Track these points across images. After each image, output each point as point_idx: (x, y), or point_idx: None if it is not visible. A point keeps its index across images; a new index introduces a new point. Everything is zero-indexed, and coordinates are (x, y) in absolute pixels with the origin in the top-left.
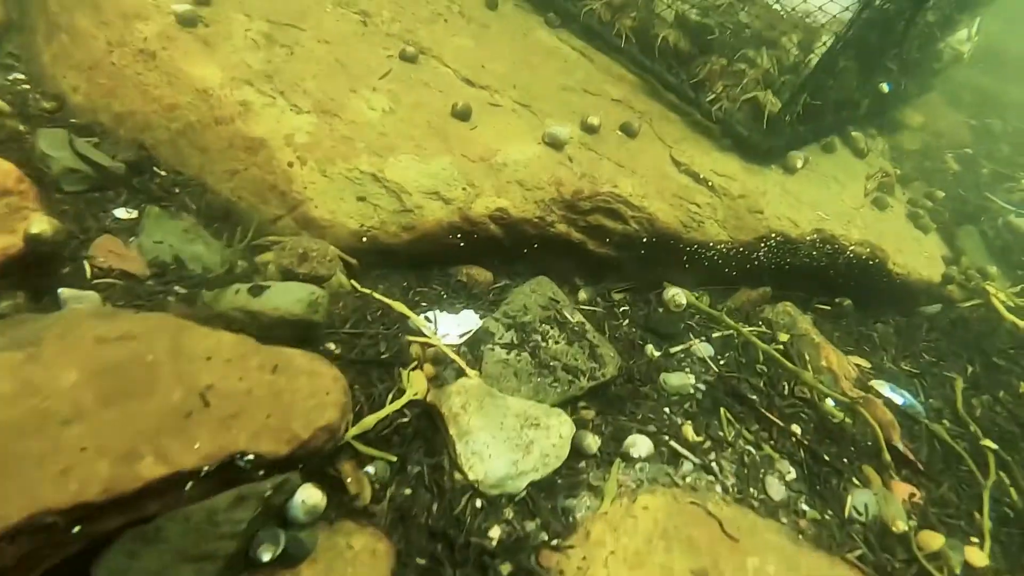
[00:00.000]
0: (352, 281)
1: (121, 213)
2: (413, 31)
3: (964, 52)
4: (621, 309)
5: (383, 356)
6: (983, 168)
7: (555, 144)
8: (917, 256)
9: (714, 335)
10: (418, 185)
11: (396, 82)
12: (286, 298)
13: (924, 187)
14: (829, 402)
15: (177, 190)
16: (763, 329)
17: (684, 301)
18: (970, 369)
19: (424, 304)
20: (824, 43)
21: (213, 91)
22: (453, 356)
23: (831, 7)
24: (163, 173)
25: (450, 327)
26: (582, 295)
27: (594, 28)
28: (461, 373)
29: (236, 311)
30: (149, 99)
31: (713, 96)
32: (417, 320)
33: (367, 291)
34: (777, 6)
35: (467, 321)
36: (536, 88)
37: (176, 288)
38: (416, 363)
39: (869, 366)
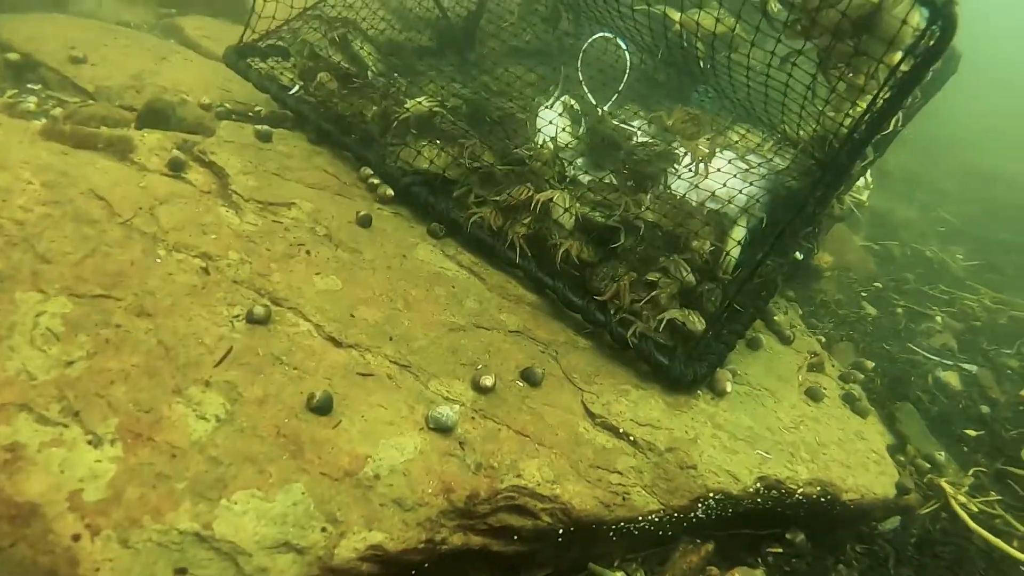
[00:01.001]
0: None
1: None
2: (267, 274)
3: (864, 200)
4: None
5: None
6: (897, 307)
7: (441, 428)
8: (868, 474)
9: None
10: (260, 538)
11: (238, 366)
12: None
13: (851, 351)
14: None
15: None
16: None
17: None
18: None
19: None
20: (738, 242)
21: None
22: None
23: (739, 198)
24: None
25: None
26: None
27: (484, 240)
28: None
29: None
30: None
31: (624, 316)
32: None
33: None
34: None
35: None
36: (418, 336)
37: None
38: None
39: None
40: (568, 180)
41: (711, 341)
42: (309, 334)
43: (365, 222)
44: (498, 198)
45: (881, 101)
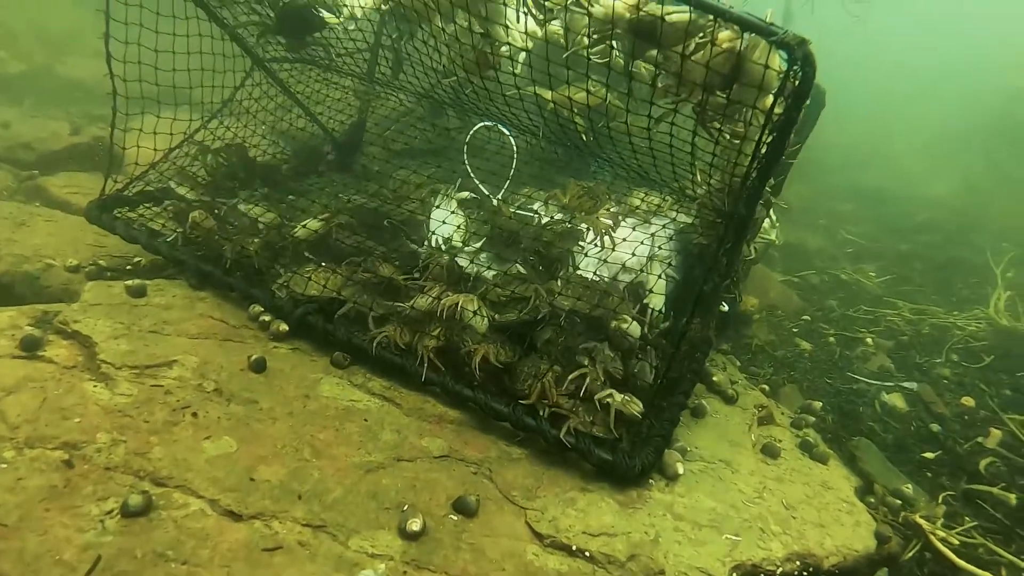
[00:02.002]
0: None
1: None
2: (146, 451)
3: (774, 238)
4: None
5: None
6: (828, 337)
7: None
8: (844, 529)
9: None
10: None
11: None
12: None
13: (796, 393)
14: None
15: None
16: None
17: None
18: None
19: None
20: (661, 312)
21: None
22: None
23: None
24: None
25: None
26: None
27: (392, 361)
28: None
29: None
30: None
31: (555, 414)
32: None
33: None
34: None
35: None
36: (331, 486)
37: None
38: None
39: None
40: (472, 278)
41: (653, 421)
42: (201, 513)
43: (259, 366)
44: (402, 310)
45: (764, 146)
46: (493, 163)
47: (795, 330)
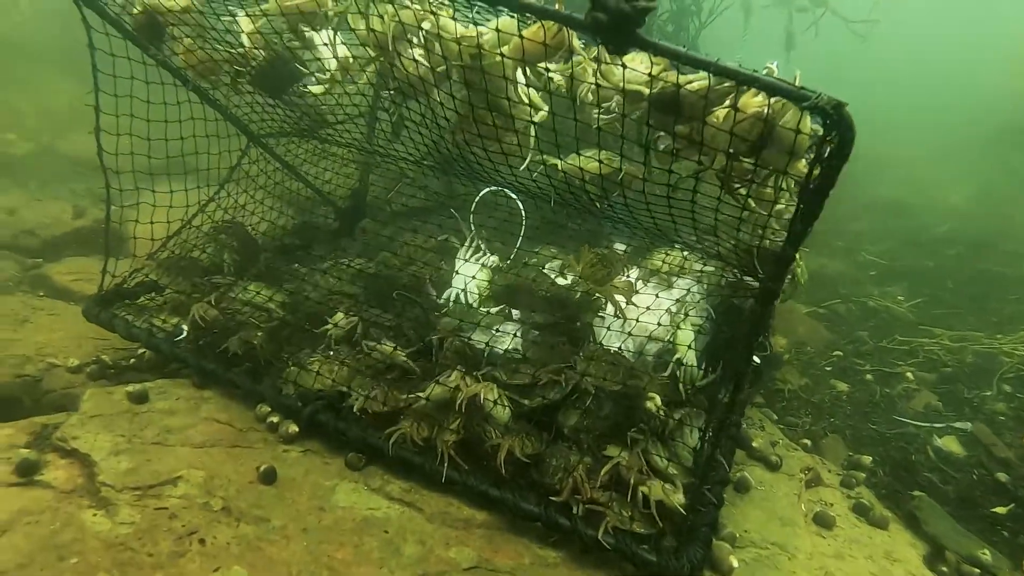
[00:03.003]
0: None
1: None
2: None
3: (801, 277)
4: None
5: None
6: (864, 374)
7: None
8: None
9: None
10: None
11: None
12: None
13: (840, 444)
14: None
15: None
16: None
17: None
18: None
19: None
20: (689, 346)
21: None
22: None
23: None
24: None
25: None
26: None
27: (411, 460)
28: None
29: None
30: None
31: (590, 510)
32: None
33: None
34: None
35: None
36: None
37: None
38: None
39: None
40: (486, 352)
41: (698, 507)
42: None
43: (269, 477)
44: (418, 400)
45: (797, 211)
46: (500, 222)
47: (828, 368)
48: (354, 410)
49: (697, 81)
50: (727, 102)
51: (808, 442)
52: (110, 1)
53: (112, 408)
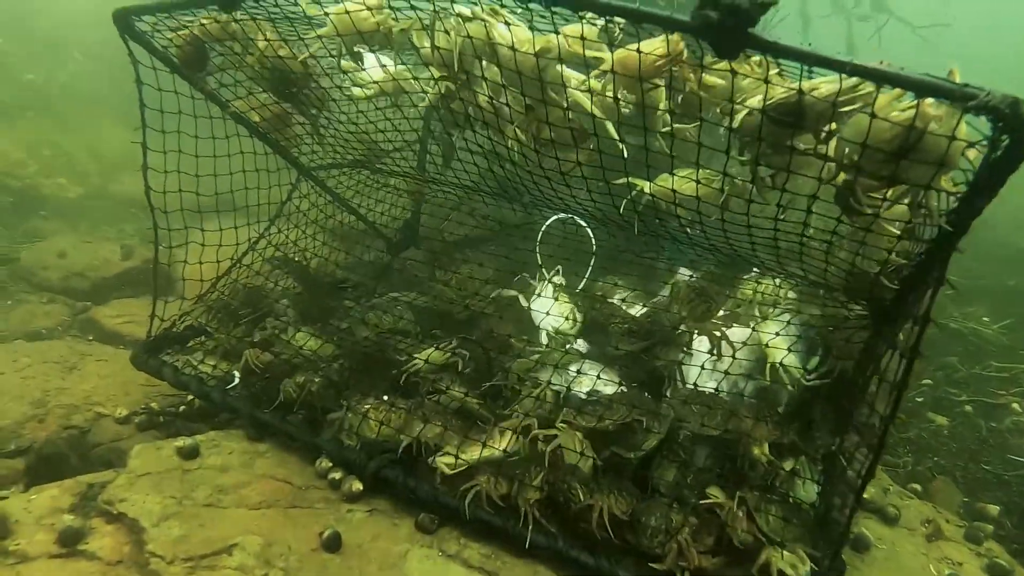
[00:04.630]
0: None
1: None
2: None
3: None
4: None
5: None
6: (963, 405)
7: None
8: None
9: None
10: None
11: None
12: None
13: (951, 488)
14: None
15: None
16: None
17: None
18: None
19: None
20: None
21: None
22: None
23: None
24: None
25: None
26: None
27: (491, 522)
28: None
29: None
30: None
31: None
32: None
33: None
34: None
35: None
36: None
37: None
38: None
39: None
40: (566, 394)
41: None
42: None
43: (333, 544)
44: (494, 452)
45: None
46: (562, 252)
47: (920, 399)
48: (431, 465)
49: (825, 85)
50: (858, 106)
51: (918, 487)
52: (156, 35)
53: (161, 465)
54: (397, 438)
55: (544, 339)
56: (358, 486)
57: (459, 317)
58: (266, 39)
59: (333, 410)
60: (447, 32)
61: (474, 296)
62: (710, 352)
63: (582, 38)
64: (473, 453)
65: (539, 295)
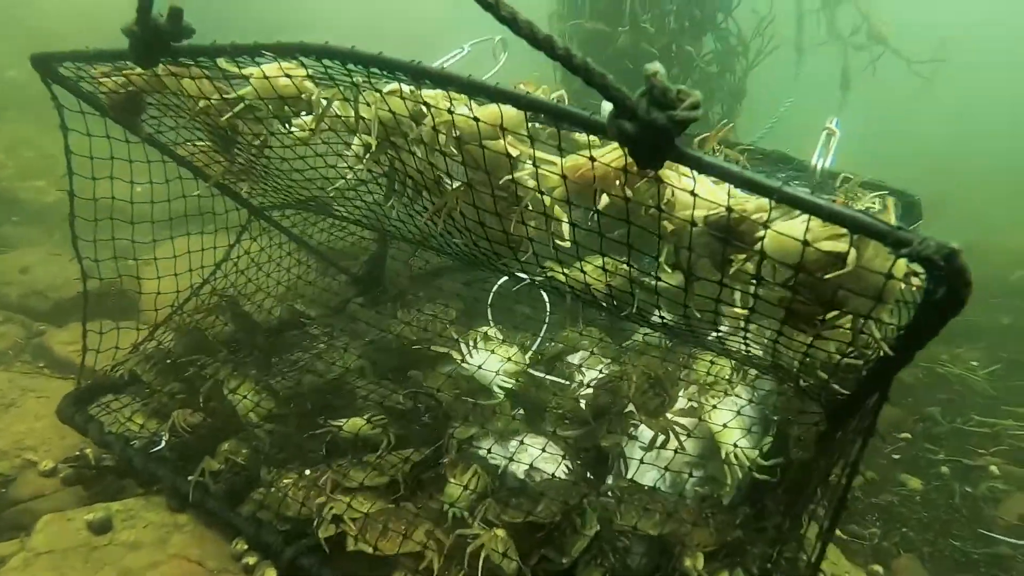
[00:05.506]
0: None
1: None
2: None
3: None
4: None
5: None
6: (940, 466)
7: None
8: None
9: None
10: None
11: None
12: None
13: (916, 566)
14: None
15: None
16: None
17: None
18: None
19: None
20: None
21: None
22: None
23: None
24: None
25: None
26: None
27: None
28: None
29: None
30: None
31: None
32: None
33: None
34: None
35: None
36: None
37: None
38: None
39: None
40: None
41: None
42: None
43: None
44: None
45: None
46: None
47: (896, 456)
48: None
49: (753, 203)
50: (796, 223)
51: (879, 569)
52: (85, 77)
53: (67, 541)
54: (316, 520)
55: (496, 390)
56: (271, 574)
57: (419, 357)
58: (195, 95)
59: (258, 481)
60: (368, 105)
61: (439, 336)
62: (651, 445)
63: (502, 127)
64: (392, 546)
65: (476, 349)
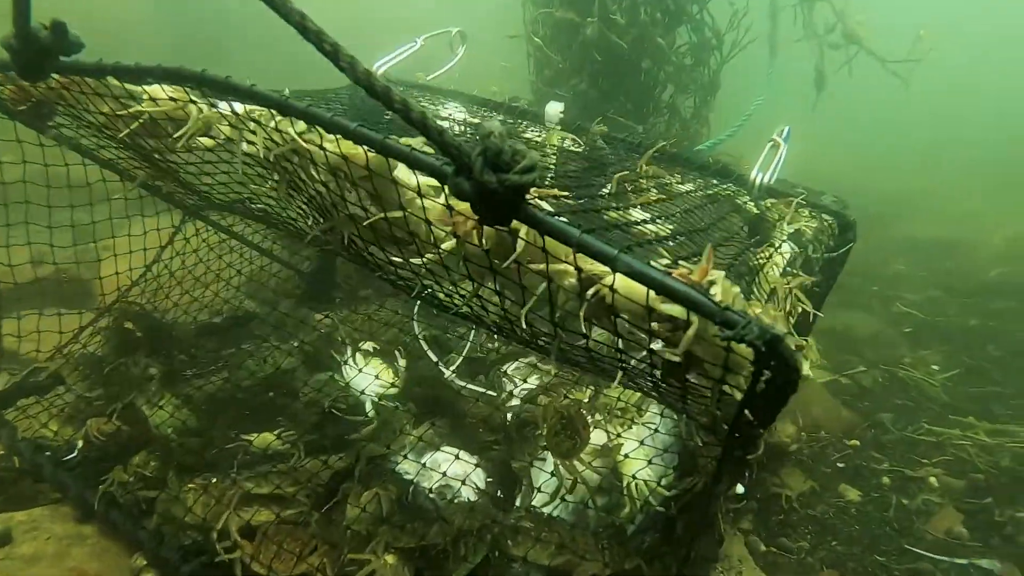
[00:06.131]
0: None
1: None
2: None
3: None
4: None
5: None
6: (882, 476)
7: None
8: None
9: None
10: None
11: None
12: None
13: None
14: None
15: None
16: None
17: None
18: None
19: None
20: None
21: None
22: None
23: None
24: None
25: None
26: None
27: None
28: None
29: None
30: None
31: None
32: None
33: None
34: None
35: None
36: None
37: None
38: None
39: None
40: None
41: None
42: None
43: None
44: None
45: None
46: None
47: (841, 465)
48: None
49: (599, 266)
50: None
51: None
52: None
53: None
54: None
55: (368, 409)
56: None
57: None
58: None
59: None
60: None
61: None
62: (555, 493)
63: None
64: (286, 568)
65: (350, 366)
